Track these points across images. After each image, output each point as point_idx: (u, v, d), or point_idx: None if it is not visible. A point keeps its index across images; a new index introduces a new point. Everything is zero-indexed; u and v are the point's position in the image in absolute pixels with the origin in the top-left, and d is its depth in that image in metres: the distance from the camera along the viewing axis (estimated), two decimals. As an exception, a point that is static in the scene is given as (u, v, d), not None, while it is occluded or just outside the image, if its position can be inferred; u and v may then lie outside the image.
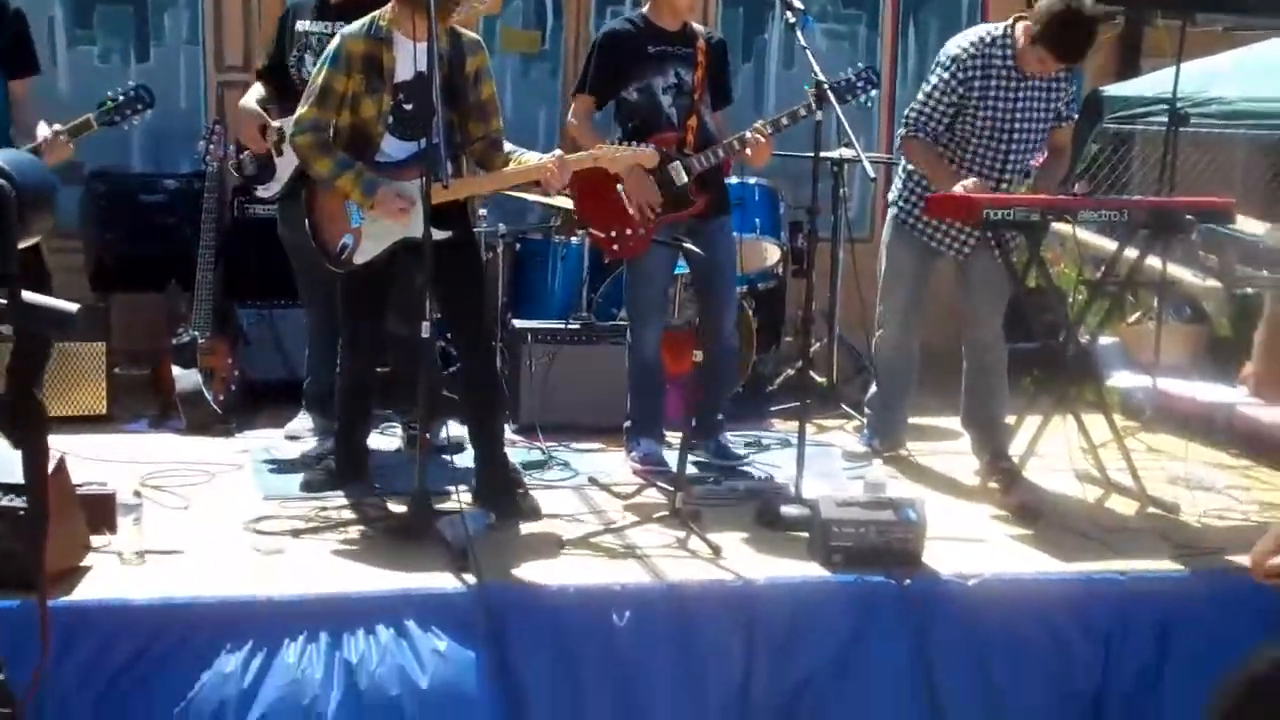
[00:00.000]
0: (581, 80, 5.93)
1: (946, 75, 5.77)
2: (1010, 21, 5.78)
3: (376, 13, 5.11)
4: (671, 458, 5.97)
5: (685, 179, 5.71)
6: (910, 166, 5.97)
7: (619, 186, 5.67)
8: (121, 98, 5.40)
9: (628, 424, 6.11)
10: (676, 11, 5.79)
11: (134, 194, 7.30)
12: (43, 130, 5.23)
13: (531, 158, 5.19)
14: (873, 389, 6.29)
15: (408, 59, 4.99)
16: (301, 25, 5.87)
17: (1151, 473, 5.98)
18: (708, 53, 5.82)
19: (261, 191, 6.16)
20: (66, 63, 7.25)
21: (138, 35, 7.60)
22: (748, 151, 5.69)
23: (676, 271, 6.56)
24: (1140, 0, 10.77)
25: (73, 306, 2.15)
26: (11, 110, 5.36)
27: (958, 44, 5.81)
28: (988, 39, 5.75)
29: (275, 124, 5.90)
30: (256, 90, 6.06)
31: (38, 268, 4.95)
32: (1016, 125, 5.76)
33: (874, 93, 5.81)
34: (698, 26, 5.93)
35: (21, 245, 2.26)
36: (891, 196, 6.12)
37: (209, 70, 7.65)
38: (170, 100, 7.47)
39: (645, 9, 5.90)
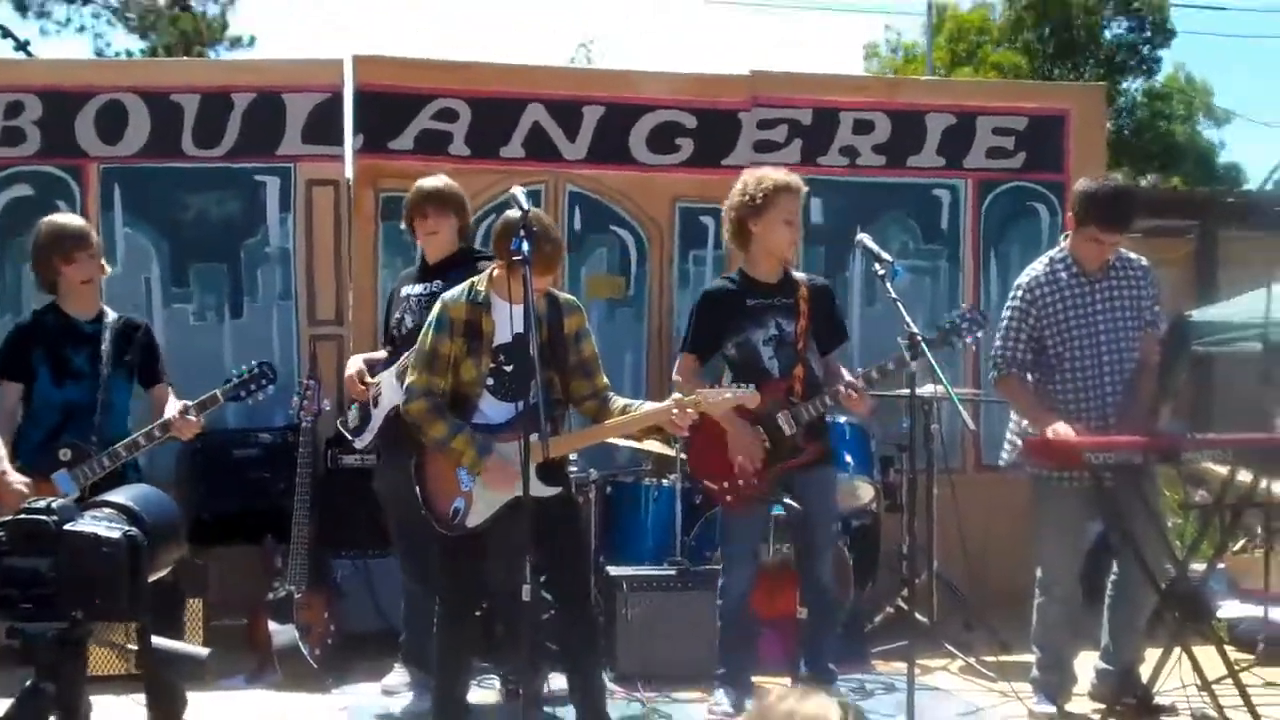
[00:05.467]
0: (685, 339, 6.05)
1: (1017, 303, 5.95)
2: (1062, 238, 6.02)
3: (475, 278, 5.24)
4: (758, 708, 5.90)
5: (794, 428, 5.72)
6: (1023, 422, 5.98)
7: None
8: (246, 374, 5.70)
9: (719, 671, 6.04)
10: (772, 254, 5.87)
11: (229, 449, 7.40)
12: (171, 408, 5.56)
13: (647, 408, 5.24)
14: (1037, 652, 6.06)
15: (505, 322, 5.09)
16: (405, 290, 6.14)
17: (1272, 711, 5.80)
18: (810, 300, 5.88)
19: (356, 443, 6.23)
20: (163, 320, 7.42)
21: (232, 292, 7.77)
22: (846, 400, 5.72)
23: (773, 512, 6.55)
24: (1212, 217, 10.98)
25: (203, 652, 2.18)
26: (153, 412, 5.82)
27: (1024, 273, 6.03)
28: (1049, 260, 5.98)
29: (373, 380, 6.04)
30: (377, 353, 6.33)
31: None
32: (1103, 329, 5.83)
33: (980, 334, 5.86)
34: (799, 275, 6.01)
35: (151, 579, 2.30)
36: (1008, 460, 6.11)
37: (301, 325, 7.80)
38: (263, 355, 7.49)
39: (743, 264, 6.01)
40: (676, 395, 5.20)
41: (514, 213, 4.92)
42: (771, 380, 5.76)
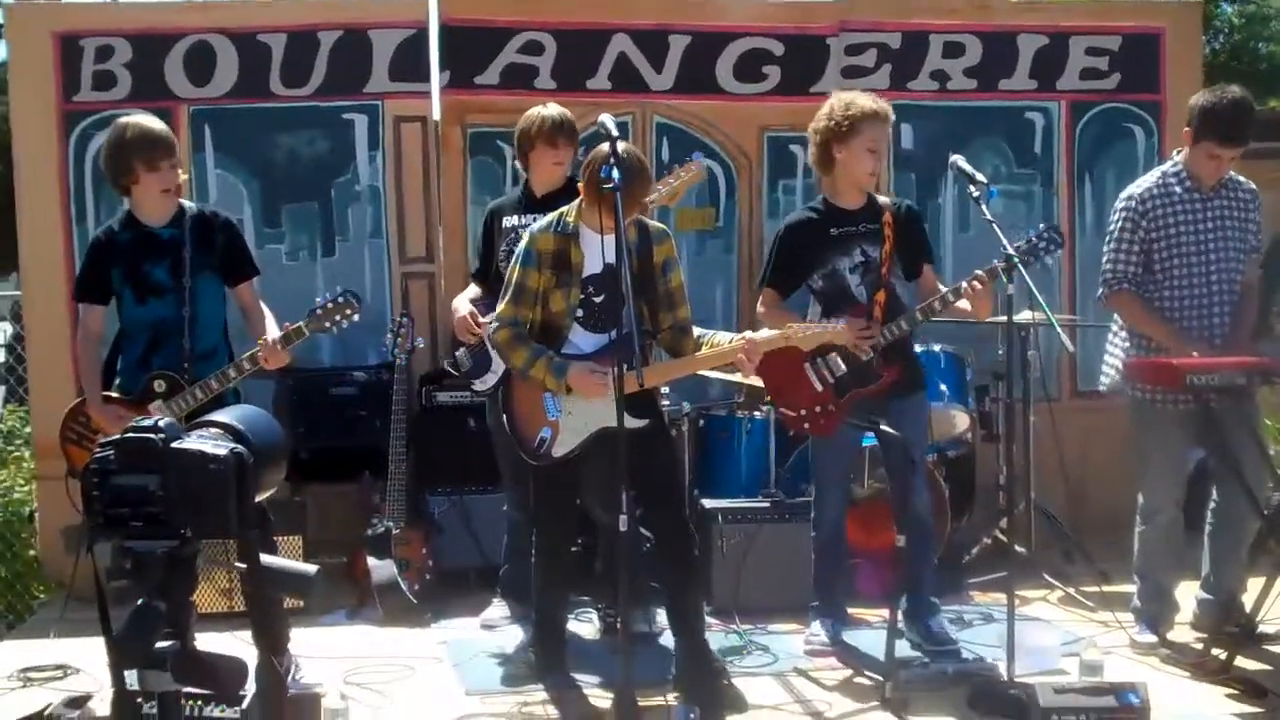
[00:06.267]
0: (764, 273, 5.96)
1: (1128, 214, 5.84)
2: (1175, 154, 5.91)
3: (564, 209, 5.20)
4: (855, 638, 5.92)
5: (870, 353, 5.66)
6: (1123, 343, 5.90)
7: (805, 365, 5.65)
8: (330, 304, 5.52)
9: (813, 602, 6.03)
10: (857, 183, 5.77)
11: (324, 388, 7.46)
12: (272, 327, 5.49)
13: (721, 339, 5.20)
14: (1138, 582, 6.02)
15: (595, 253, 5.06)
16: (508, 222, 6.04)
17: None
18: (895, 225, 5.78)
19: (478, 385, 6.16)
20: (256, 261, 7.42)
21: (324, 231, 7.81)
22: (964, 305, 5.58)
23: (866, 444, 6.50)
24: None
25: (311, 569, 2.18)
26: (245, 315, 5.67)
27: (1134, 185, 5.93)
28: (1161, 173, 5.88)
29: (486, 319, 6.00)
30: (472, 290, 6.22)
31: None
32: (1212, 246, 5.73)
33: (1058, 253, 5.75)
34: (884, 199, 5.90)
35: (258, 499, 2.31)
36: (1110, 384, 6.02)
37: (393, 263, 7.83)
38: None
39: (825, 191, 5.91)
40: (748, 333, 5.16)
41: (608, 145, 4.86)
42: (855, 305, 5.70)
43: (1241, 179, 5.87)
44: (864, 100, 5.69)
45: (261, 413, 2.39)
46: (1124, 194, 5.92)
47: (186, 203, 5.68)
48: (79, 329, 5.73)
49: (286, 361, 5.50)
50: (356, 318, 5.57)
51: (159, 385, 5.48)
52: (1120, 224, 5.86)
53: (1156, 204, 5.77)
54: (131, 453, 2.13)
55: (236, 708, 4.16)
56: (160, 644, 2.13)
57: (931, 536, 6.01)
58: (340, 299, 5.52)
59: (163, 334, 5.54)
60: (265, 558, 2.19)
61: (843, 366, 5.65)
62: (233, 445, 2.16)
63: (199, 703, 4.16)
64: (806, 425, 5.77)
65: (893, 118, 5.75)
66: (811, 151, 5.84)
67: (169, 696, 2.16)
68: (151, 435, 2.13)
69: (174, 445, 2.13)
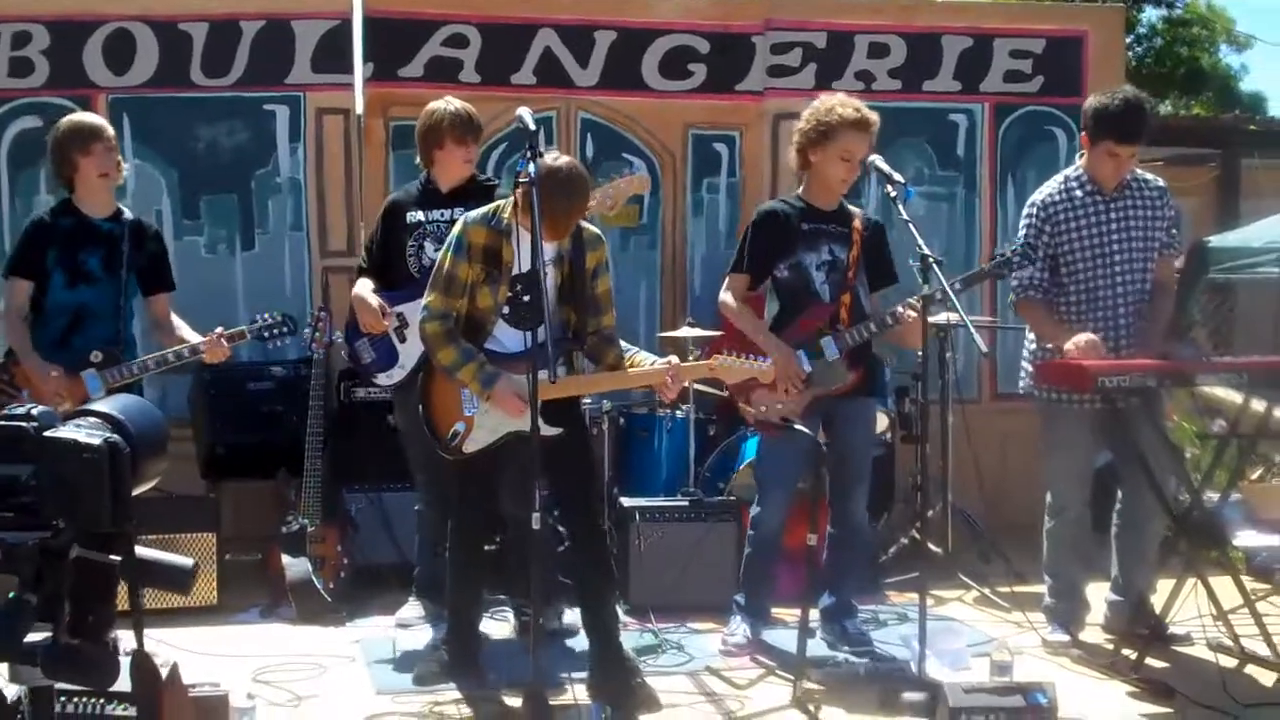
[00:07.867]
0: (737, 259, 5.91)
1: (1033, 220, 5.89)
2: (1077, 157, 5.98)
3: (500, 203, 5.15)
4: (770, 637, 5.92)
5: (836, 354, 5.66)
6: (1032, 345, 5.92)
7: None
8: (272, 320, 5.94)
9: (738, 597, 6.00)
10: (829, 188, 5.76)
11: (242, 382, 7.36)
12: (190, 334, 5.83)
13: (644, 359, 5.19)
14: (1049, 580, 6.05)
15: (526, 251, 5.00)
16: (413, 217, 5.96)
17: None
18: (863, 234, 5.78)
19: (383, 379, 6.12)
20: (174, 253, 7.28)
21: (243, 224, 7.73)
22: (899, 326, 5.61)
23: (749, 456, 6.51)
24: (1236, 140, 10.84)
25: (188, 562, 2.13)
26: (158, 325, 6.01)
27: (1037, 192, 5.98)
28: (1064, 178, 5.92)
29: (394, 310, 5.93)
30: (368, 281, 6.12)
31: None
32: (1116, 248, 5.76)
33: (1031, 270, 5.77)
34: (854, 209, 5.91)
35: (136, 493, 2.25)
36: (1026, 385, 6.04)
37: (313, 256, 7.75)
38: (275, 287, 7.60)
39: (800, 190, 5.90)
40: (672, 358, 5.17)
41: (550, 157, 4.86)
42: (820, 304, 5.70)
43: (1149, 177, 5.92)
44: (846, 108, 5.66)
45: (142, 402, 2.33)
46: (1031, 200, 5.97)
47: (125, 208, 5.95)
48: (4, 300, 5.90)
49: (226, 357, 5.83)
50: (289, 340, 6.09)
51: (95, 357, 5.69)
52: (1025, 231, 5.90)
53: (1059, 209, 5.82)
54: (3, 441, 2.07)
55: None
56: (32, 638, 2.07)
57: (865, 544, 6.02)
58: (281, 319, 5.96)
59: (84, 317, 5.79)
60: (142, 551, 2.13)
61: (808, 366, 5.65)
62: (108, 435, 2.10)
63: (99, 701, 4.08)
64: (762, 420, 5.73)
65: (876, 125, 5.70)
66: (791, 149, 5.85)
67: (41, 692, 2.10)
68: (24, 424, 2.08)
69: (47, 434, 2.07)
